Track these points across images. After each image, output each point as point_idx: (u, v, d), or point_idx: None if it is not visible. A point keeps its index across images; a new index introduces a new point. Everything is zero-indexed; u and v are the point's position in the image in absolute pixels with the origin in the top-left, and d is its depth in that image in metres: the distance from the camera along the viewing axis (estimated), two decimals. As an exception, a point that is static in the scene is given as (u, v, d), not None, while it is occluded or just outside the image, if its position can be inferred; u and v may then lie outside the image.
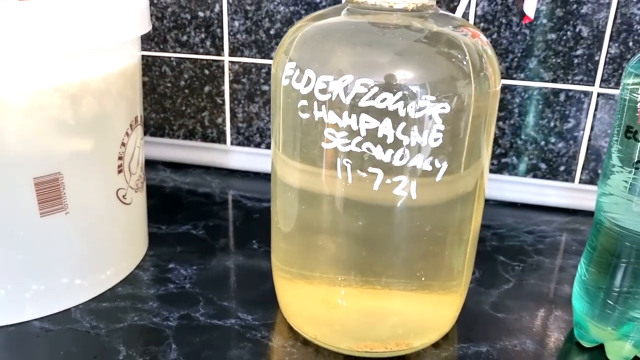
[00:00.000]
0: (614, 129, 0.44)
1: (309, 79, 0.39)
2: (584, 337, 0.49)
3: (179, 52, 0.75)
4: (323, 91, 0.38)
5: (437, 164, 0.39)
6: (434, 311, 0.47)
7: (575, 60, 0.66)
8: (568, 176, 0.71)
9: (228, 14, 0.73)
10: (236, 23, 0.73)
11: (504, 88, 0.69)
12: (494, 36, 0.67)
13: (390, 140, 0.38)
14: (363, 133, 0.38)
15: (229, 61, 0.75)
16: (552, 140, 0.70)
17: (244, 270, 0.58)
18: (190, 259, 0.59)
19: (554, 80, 0.68)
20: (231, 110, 0.77)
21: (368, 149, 0.39)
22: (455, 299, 0.47)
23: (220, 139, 0.79)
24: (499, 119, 0.70)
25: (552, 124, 0.69)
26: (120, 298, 0.53)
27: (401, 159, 0.39)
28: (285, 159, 0.43)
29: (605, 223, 0.45)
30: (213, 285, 0.55)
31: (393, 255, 0.43)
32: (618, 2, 0.63)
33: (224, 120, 0.78)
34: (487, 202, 0.73)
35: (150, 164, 0.80)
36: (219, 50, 0.74)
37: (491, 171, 0.73)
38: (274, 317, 0.51)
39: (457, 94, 0.39)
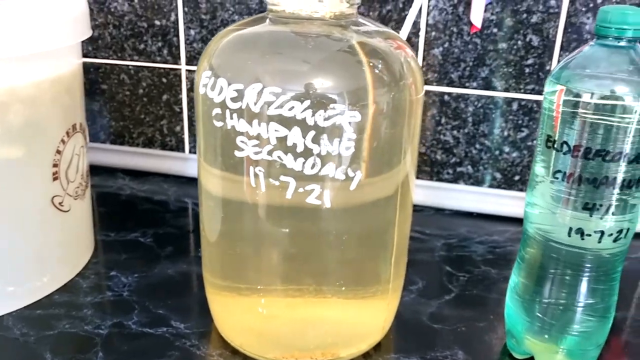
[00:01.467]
0: (538, 138, 0.43)
1: (222, 88, 0.39)
2: (515, 348, 0.48)
3: (137, 61, 0.76)
4: (234, 99, 0.38)
5: (351, 173, 0.39)
6: (361, 319, 0.47)
7: (527, 70, 0.66)
8: (523, 186, 0.71)
9: (184, 23, 0.73)
10: (192, 32, 0.73)
11: (458, 97, 0.69)
12: (446, 45, 0.67)
13: (300, 148, 0.38)
14: (273, 141, 0.38)
15: (186, 70, 0.75)
16: (507, 149, 0.70)
17: (185, 278, 0.58)
18: (133, 266, 0.59)
19: (506, 90, 0.67)
20: (189, 118, 0.77)
21: (279, 157, 0.38)
22: (383, 306, 0.47)
23: (178, 147, 0.79)
24: (453, 128, 0.70)
25: (505, 133, 0.69)
26: (55, 305, 0.53)
27: (312, 167, 0.38)
28: (207, 166, 0.43)
29: (533, 234, 0.45)
30: (151, 293, 0.55)
31: (315, 263, 0.43)
32: (567, 12, 0.63)
33: (182, 128, 0.78)
34: (443, 211, 0.73)
35: (109, 172, 0.80)
36: (176, 59, 0.74)
37: (447, 180, 0.73)
38: (207, 325, 0.51)
39: (373, 102, 0.39)
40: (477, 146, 0.70)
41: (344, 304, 0.45)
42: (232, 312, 0.47)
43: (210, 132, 0.41)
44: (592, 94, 0.39)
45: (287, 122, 0.37)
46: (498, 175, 0.71)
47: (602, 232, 0.41)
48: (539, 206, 0.43)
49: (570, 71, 0.41)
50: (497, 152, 0.70)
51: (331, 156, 0.38)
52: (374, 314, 0.47)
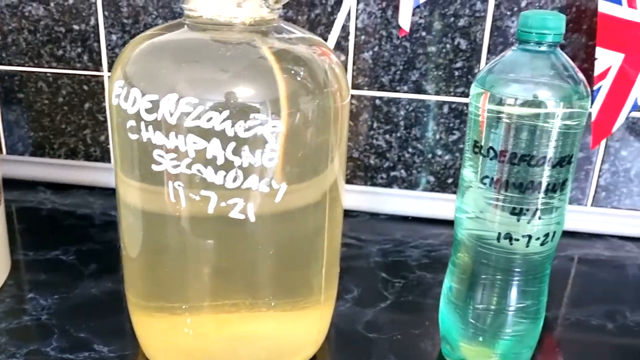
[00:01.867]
0: (465, 144, 0.43)
1: (135, 98, 0.37)
2: (450, 354, 0.48)
3: (55, 67, 0.72)
4: (149, 111, 0.36)
5: (275, 185, 0.38)
6: (294, 332, 0.45)
7: (456, 73, 0.66)
8: (456, 188, 0.71)
9: (105, 27, 0.69)
10: (114, 37, 0.70)
11: (389, 101, 0.68)
12: (376, 49, 0.67)
13: (220, 161, 0.36)
14: (192, 154, 0.36)
15: (109, 76, 0.71)
16: (439, 152, 0.70)
17: (110, 298, 0.54)
18: (54, 287, 0.55)
19: (436, 93, 0.68)
20: (114, 127, 0.74)
21: (198, 170, 0.36)
22: (316, 318, 0.45)
23: (103, 157, 0.75)
24: (385, 132, 0.70)
25: (437, 137, 0.69)
26: (-35, 334, 0.49)
27: (234, 180, 0.37)
28: (124, 178, 0.41)
29: (463, 239, 0.44)
30: (72, 316, 0.51)
31: (243, 278, 0.41)
32: (493, 16, 0.64)
33: (107, 138, 0.74)
34: (378, 216, 0.72)
35: (29, 185, 0.75)
36: (97, 65, 0.71)
37: (381, 185, 0.72)
38: (133, 348, 0.48)
39: (296, 112, 0.38)
40: (410, 150, 0.70)
41: (276, 318, 0.43)
42: (158, 333, 0.44)
43: (126, 144, 0.39)
44: (516, 98, 0.39)
45: (206, 134, 0.36)
46: (431, 179, 0.71)
47: (530, 236, 0.41)
48: (469, 211, 0.43)
49: (494, 76, 0.41)
50: (429, 156, 0.70)
51: (254, 168, 0.37)
52: (307, 327, 0.46)
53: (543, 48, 0.39)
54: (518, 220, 0.41)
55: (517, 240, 0.41)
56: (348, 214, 0.73)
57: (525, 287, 0.44)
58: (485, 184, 0.41)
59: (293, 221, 0.40)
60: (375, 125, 0.70)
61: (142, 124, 0.37)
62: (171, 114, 0.35)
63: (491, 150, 0.40)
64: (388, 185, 0.72)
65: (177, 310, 0.42)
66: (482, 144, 0.41)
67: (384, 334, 0.51)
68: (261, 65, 0.38)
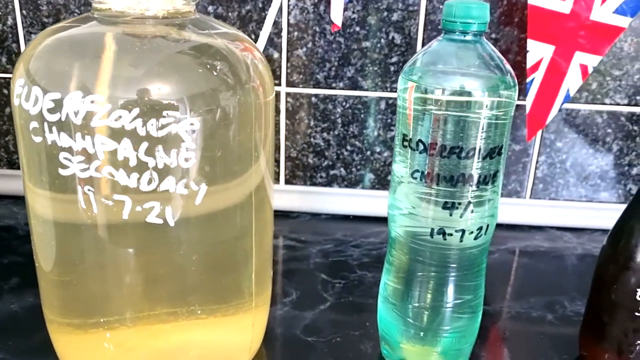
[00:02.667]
0: (396, 138, 0.42)
1: (37, 97, 0.34)
2: (390, 355, 0.47)
3: (-29, 71, 0.68)
4: (52, 110, 0.33)
5: (194, 186, 0.35)
6: (226, 340, 0.43)
7: (392, 68, 0.66)
8: (396, 185, 0.70)
9: (23, 27, 0.66)
10: (34, 37, 0.66)
11: (325, 98, 0.67)
12: (309, 45, 0.65)
13: (133, 162, 0.34)
14: (101, 156, 0.34)
15: (30, 79, 0.68)
16: (378, 149, 0.69)
17: (32, 314, 0.51)
18: (-30, 305, 0.52)
19: (373, 89, 0.66)
20: (38, 132, 0.70)
21: (110, 173, 0.34)
22: (248, 324, 0.43)
23: (28, 165, 0.71)
24: (323, 130, 0.68)
25: (375, 133, 0.68)
26: None
27: (149, 183, 0.34)
28: (32, 187, 0.38)
29: (397, 236, 0.43)
30: (-11, 335, 0.48)
31: (166, 286, 0.39)
32: (426, 9, 0.63)
33: (31, 144, 0.70)
34: (319, 216, 0.71)
35: (-53, 197, 0.71)
36: (17, 68, 0.67)
37: (321, 184, 0.71)
38: (55, 366, 0.45)
39: (214, 108, 0.36)
40: (349, 148, 0.69)
41: (205, 327, 0.41)
42: (78, 351, 0.41)
43: (31, 148, 0.36)
44: (443, 89, 0.38)
45: (116, 134, 0.33)
46: (371, 176, 0.70)
47: (463, 231, 0.40)
48: (401, 207, 0.42)
49: (420, 67, 0.39)
50: (368, 153, 0.69)
51: (170, 169, 0.34)
52: (239, 334, 0.43)
53: (468, 37, 0.38)
54: (450, 215, 0.40)
55: (451, 235, 0.40)
56: (288, 215, 0.71)
57: (462, 282, 0.43)
58: (415, 178, 0.40)
59: (217, 224, 0.38)
60: (312, 123, 0.68)
61: (46, 125, 0.34)
62: (76, 114, 0.33)
63: (420, 144, 0.39)
64: (328, 184, 0.71)
65: (96, 325, 0.39)
66: (411, 137, 0.39)
67: (323, 337, 0.50)
68: (175, 60, 0.36)
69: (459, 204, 0.39)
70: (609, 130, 0.67)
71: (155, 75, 0.35)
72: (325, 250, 0.63)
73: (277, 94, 0.67)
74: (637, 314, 0.43)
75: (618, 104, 0.66)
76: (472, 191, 0.39)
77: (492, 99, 0.38)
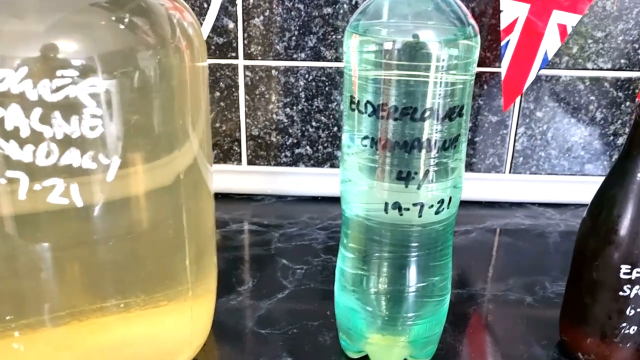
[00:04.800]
0: (343, 102, 0.37)
1: None
2: (349, 346, 0.42)
3: None
4: None
5: (104, 160, 0.31)
6: (160, 335, 0.38)
7: (356, 36, 0.61)
8: (367, 163, 0.65)
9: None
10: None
11: (287, 70, 0.62)
12: (267, 13, 0.60)
13: (25, 132, 0.29)
14: (-15, 126, 0.29)
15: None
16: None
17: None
18: None
19: (337, 59, 0.62)
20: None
21: (-1, 146, 0.29)
22: (185, 316, 0.38)
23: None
24: (285, 105, 0.63)
25: (342, 107, 0.63)
26: None
27: (47, 156, 0.29)
28: None
29: (351, 216, 0.38)
30: None
31: (80, 278, 0.34)
32: (391, -31, 0.58)
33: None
34: (285, 198, 0.66)
35: None
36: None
37: (286, 164, 0.66)
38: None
39: (126, 69, 0.31)
40: (314, 124, 0.64)
41: (138, 321, 0.36)
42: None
43: None
44: (393, 42, 0.33)
45: (1, 99, 0.28)
46: (339, 154, 0.65)
47: (422, 205, 0.35)
48: (352, 182, 0.37)
49: (368, 18, 0.35)
50: (335, 129, 0.64)
51: (72, 140, 0.29)
52: (177, 327, 0.39)
53: (421, -18, 0.34)
54: (406, 186, 0.35)
55: (408, 209, 0.35)
56: (252, 198, 0.66)
57: (425, 263, 0.38)
58: (365, 145, 0.35)
59: (137, 208, 0.34)
60: (273, 98, 0.63)
61: None
62: (-48, 76, 0.28)
63: (369, 105, 0.34)
64: (293, 163, 0.66)
65: (2, 327, 0.34)
66: (358, 98, 0.35)
67: (278, 329, 0.45)
68: (78, 11, 0.31)
69: (415, 173, 0.35)
70: (592, 98, 0.63)
71: (53, 29, 0.29)
72: (288, 234, 0.59)
73: (235, 68, 0.62)
74: (621, 293, 0.39)
75: (601, 69, 0.62)
76: (430, 159, 0.34)
77: (450, 52, 0.33)
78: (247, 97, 0.63)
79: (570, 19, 0.55)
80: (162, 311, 0.37)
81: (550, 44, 0.56)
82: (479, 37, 0.35)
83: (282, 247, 0.56)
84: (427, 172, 0.35)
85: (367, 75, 0.34)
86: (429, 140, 0.34)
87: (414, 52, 0.33)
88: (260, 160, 0.66)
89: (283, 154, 0.65)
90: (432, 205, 0.36)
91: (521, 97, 0.63)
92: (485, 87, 0.62)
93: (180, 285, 0.37)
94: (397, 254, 0.38)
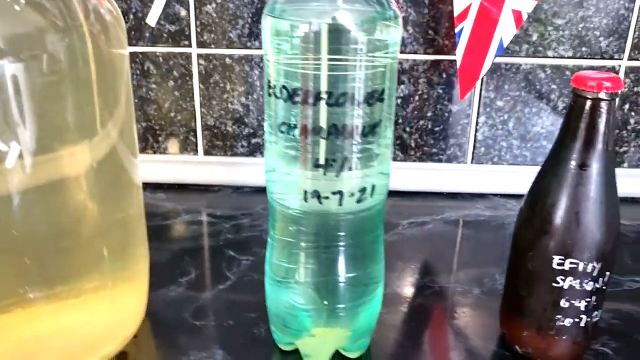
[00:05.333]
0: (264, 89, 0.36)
1: None
2: (281, 339, 0.41)
3: None
4: None
5: (2, 146, 0.30)
6: (84, 325, 0.37)
7: (311, 23, 0.59)
8: (325, 153, 0.64)
9: None
10: None
11: (241, 59, 0.61)
12: (219, 1, 0.59)
13: None
14: None
15: None
16: (303, 114, 0.63)
17: None
18: None
19: (292, 47, 0.60)
20: None
21: None
22: (106, 307, 0.37)
23: None
24: (240, 94, 0.62)
25: (298, 97, 0.62)
26: None
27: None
28: None
29: (275, 205, 0.37)
30: None
31: (5, 269, 0.33)
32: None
33: None
34: (242, 190, 0.65)
35: None
36: None
37: (243, 155, 0.65)
38: None
39: (37, 52, 0.30)
40: (271, 113, 0.63)
41: (57, 312, 0.36)
42: None
43: None
44: (309, 24, 0.32)
45: None
46: (297, 144, 0.64)
47: (341, 193, 0.34)
48: (273, 171, 0.36)
49: (284, 2, 0.33)
50: (293, 118, 0.63)
51: (-37, 124, 0.29)
52: (97, 319, 0.38)
53: (336, -39, 0.32)
54: (324, 174, 0.34)
55: (327, 198, 0.34)
56: (208, 189, 0.65)
57: (352, 253, 0.37)
58: (283, 132, 0.34)
59: (47, 197, 0.33)
60: (228, 87, 0.62)
61: None
62: None
63: (284, 90, 0.33)
64: (250, 154, 0.65)
65: None
66: (274, 83, 0.33)
67: (214, 320, 0.44)
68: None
69: (334, 161, 0.33)
70: (554, 86, 0.61)
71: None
72: (240, 225, 0.58)
73: (188, 56, 0.61)
74: (554, 284, 0.38)
75: (562, 57, 0.60)
76: (348, 145, 0.33)
77: (367, 34, 0.32)
78: (201, 86, 0.62)
79: (525, 5, 0.54)
80: (83, 302, 0.36)
81: (505, 30, 0.54)
82: (400, 19, 0.34)
83: (232, 239, 0.55)
84: (345, 160, 0.34)
85: (282, 59, 0.33)
86: (346, 126, 0.33)
87: (330, 35, 0.32)
88: (217, 151, 0.65)
89: (240, 143, 0.64)
90: (352, 194, 0.34)
91: (481, 85, 0.61)
92: (444, 75, 0.61)
93: (100, 276, 0.36)
94: (321, 244, 0.36)
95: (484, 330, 0.44)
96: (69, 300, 0.36)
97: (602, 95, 0.35)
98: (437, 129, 0.63)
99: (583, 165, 0.36)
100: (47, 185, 0.33)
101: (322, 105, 0.32)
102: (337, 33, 0.32)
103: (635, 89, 0.61)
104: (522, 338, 0.40)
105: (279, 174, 0.36)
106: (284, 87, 0.33)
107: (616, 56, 0.60)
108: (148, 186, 0.65)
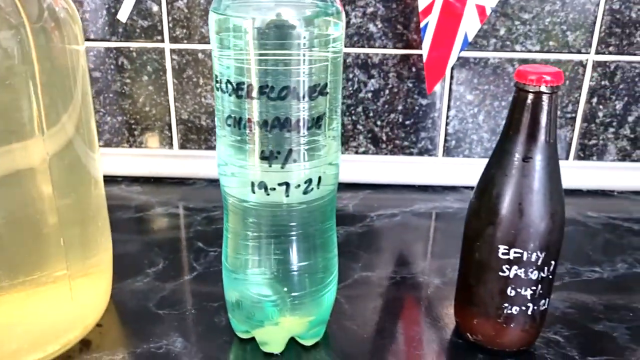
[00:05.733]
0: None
1: None
2: (238, 327, 0.42)
3: None
4: None
5: (-50, 139, 0.31)
6: (46, 313, 0.38)
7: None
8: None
9: None
10: None
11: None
12: (190, -5, 0.60)
13: None
14: None
15: None
16: (275, 108, 0.64)
17: None
18: None
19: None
20: None
21: None
22: (65, 295, 0.39)
23: None
24: (213, 89, 0.63)
25: (270, 91, 0.63)
26: None
27: None
28: None
29: (227, 197, 0.38)
30: None
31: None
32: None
33: None
34: (215, 182, 0.66)
35: None
36: None
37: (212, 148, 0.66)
38: None
39: None
40: (244, 107, 0.64)
41: (17, 301, 0.37)
42: None
43: None
44: (253, 20, 0.33)
45: None
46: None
47: (287, 184, 0.35)
48: (224, 164, 0.37)
49: (230, -3, 0.34)
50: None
51: None
52: (56, 307, 0.39)
53: (278, -41, 0.33)
54: (270, 166, 0.35)
55: (274, 189, 0.35)
56: (183, 182, 0.66)
57: (304, 243, 0.38)
58: (230, 125, 0.35)
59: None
60: (201, 81, 0.63)
61: None
62: None
63: (229, 84, 0.34)
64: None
65: None
66: (220, 77, 0.34)
67: (177, 309, 0.45)
68: None
69: (278, 153, 0.34)
70: (522, 80, 0.62)
71: None
72: (211, 217, 0.59)
73: (161, 51, 0.62)
74: (501, 274, 0.39)
75: (530, 51, 0.61)
76: (292, 138, 0.34)
77: (309, 29, 0.33)
78: (175, 80, 0.63)
79: (489, 0, 0.54)
80: (42, 291, 0.38)
81: (469, 25, 0.55)
82: (343, 14, 0.35)
83: (202, 230, 0.56)
84: (290, 152, 0.35)
85: (226, 54, 0.34)
86: (289, 119, 0.34)
87: (272, 31, 0.33)
88: (191, 144, 0.66)
89: (214, 137, 0.65)
90: (299, 185, 0.35)
91: (451, 79, 0.62)
92: (414, 69, 0.62)
93: (57, 265, 0.38)
94: (272, 235, 0.37)
95: (440, 320, 0.45)
96: (29, 290, 0.37)
97: (543, 88, 0.36)
98: (408, 122, 0.64)
99: (526, 158, 0.37)
100: (2, 177, 0.34)
101: (265, 99, 0.33)
102: (279, 29, 0.33)
103: (603, 83, 0.62)
104: (473, 326, 0.41)
105: (228, 166, 0.37)
106: (228, 81, 0.34)
107: (583, 50, 0.61)
108: (125, 179, 0.66)
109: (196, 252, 0.53)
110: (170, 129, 0.65)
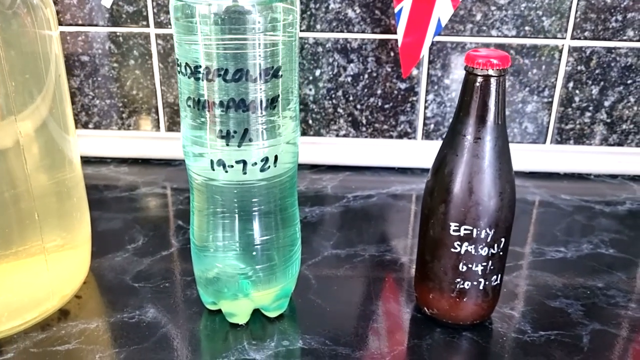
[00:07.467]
0: (180, 65, 0.39)
1: None
2: (205, 299, 0.44)
3: None
4: None
5: None
6: (23, 284, 0.41)
7: (262, 4, 0.62)
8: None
9: None
10: None
11: (197, 39, 0.64)
12: (173, -18, 0.61)
13: None
14: None
15: None
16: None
17: None
18: None
19: (245, 27, 0.63)
20: None
21: None
22: (41, 267, 0.41)
23: None
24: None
25: (253, 75, 0.65)
26: None
27: None
28: None
29: (190, 174, 0.40)
30: None
31: None
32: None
33: None
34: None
35: None
36: None
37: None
38: None
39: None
40: (227, 91, 0.66)
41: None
42: None
43: None
44: (209, 5, 0.35)
45: None
46: (254, 121, 0.67)
47: (244, 162, 0.37)
48: (187, 143, 0.39)
49: (189, -17, 0.36)
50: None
51: None
52: (33, 278, 0.41)
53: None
54: (227, 145, 0.37)
55: (232, 167, 0.37)
56: (170, 163, 0.68)
57: (264, 219, 0.40)
58: (190, 106, 0.37)
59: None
60: (186, 66, 0.65)
61: None
62: None
63: (187, 67, 0.36)
64: (209, 130, 0.68)
65: None
66: (180, 61, 0.36)
67: (151, 283, 0.48)
68: None
69: (235, 132, 0.36)
70: (499, 65, 0.63)
71: None
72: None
73: (147, 36, 0.64)
74: (453, 250, 0.40)
75: (506, 36, 0.62)
76: (248, 118, 0.36)
77: (262, 13, 0.35)
78: (160, 65, 0.65)
79: (462, -14, 0.55)
80: (19, 264, 0.40)
81: (442, 10, 0.56)
82: (297, 0, 0.36)
83: (183, 209, 0.59)
84: (246, 131, 0.36)
85: (184, 38, 0.36)
86: (244, 100, 0.36)
87: (227, 15, 0.34)
88: (178, 127, 0.68)
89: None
90: (255, 163, 0.37)
91: (428, 64, 0.64)
92: (392, 54, 0.63)
93: (32, 239, 0.40)
94: (234, 211, 0.39)
95: (403, 296, 0.47)
96: (6, 263, 0.39)
97: (490, 72, 0.37)
98: (387, 106, 0.66)
99: (475, 138, 0.38)
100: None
101: (221, 81, 0.35)
102: (234, 13, 0.34)
103: (579, 68, 0.63)
104: (429, 300, 0.43)
105: (191, 146, 0.39)
106: (187, 64, 0.36)
107: (559, 35, 0.62)
108: (113, 160, 0.69)
109: (176, 229, 0.55)
110: (157, 112, 0.67)
